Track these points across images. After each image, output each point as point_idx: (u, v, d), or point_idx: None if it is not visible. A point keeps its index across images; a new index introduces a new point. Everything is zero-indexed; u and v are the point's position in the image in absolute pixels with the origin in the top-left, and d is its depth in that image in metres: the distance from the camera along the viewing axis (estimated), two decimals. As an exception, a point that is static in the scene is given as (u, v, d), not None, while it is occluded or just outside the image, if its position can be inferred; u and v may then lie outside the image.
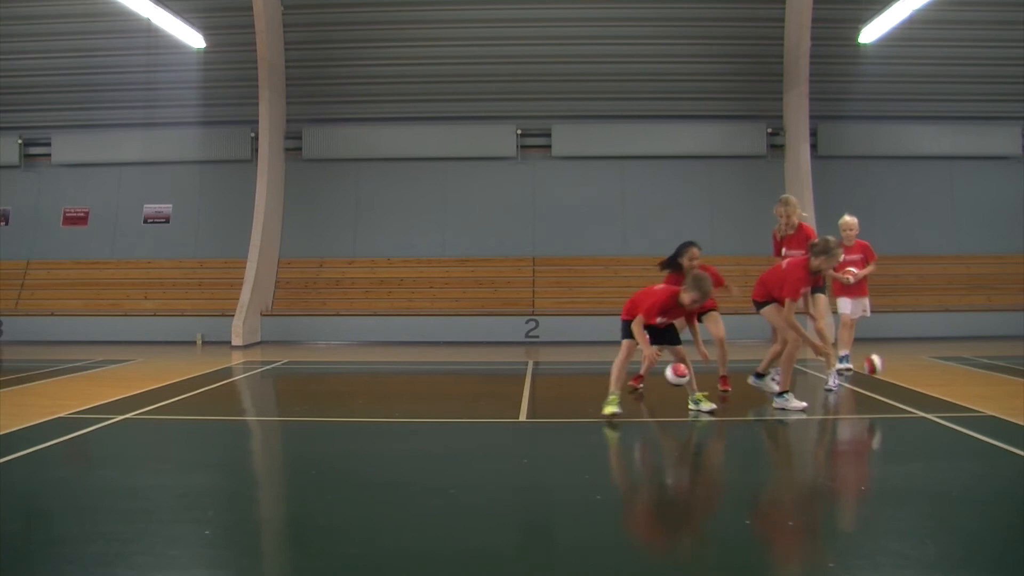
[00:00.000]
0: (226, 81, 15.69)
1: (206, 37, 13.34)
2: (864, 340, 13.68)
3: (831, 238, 6.63)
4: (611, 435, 5.99)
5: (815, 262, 6.39)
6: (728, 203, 15.78)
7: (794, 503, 4.33)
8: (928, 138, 15.83)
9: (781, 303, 6.42)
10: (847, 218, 8.21)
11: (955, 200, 15.92)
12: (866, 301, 8.18)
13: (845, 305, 8.03)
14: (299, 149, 16.08)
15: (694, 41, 15.60)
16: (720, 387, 7.38)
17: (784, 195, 7.90)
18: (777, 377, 6.90)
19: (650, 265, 14.96)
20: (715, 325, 7.39)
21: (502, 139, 16.02)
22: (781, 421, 6.33)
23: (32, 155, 16.44)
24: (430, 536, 3.65)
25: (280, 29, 15.47)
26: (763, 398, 7.62)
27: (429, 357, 12.29)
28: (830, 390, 7.54)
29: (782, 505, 4.28)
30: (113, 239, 16.15)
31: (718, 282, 7.11)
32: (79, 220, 16.32)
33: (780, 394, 6.60)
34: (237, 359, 11.91)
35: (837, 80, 15.50)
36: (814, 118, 15.31)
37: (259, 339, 14.67)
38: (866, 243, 8.23)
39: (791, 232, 7.53)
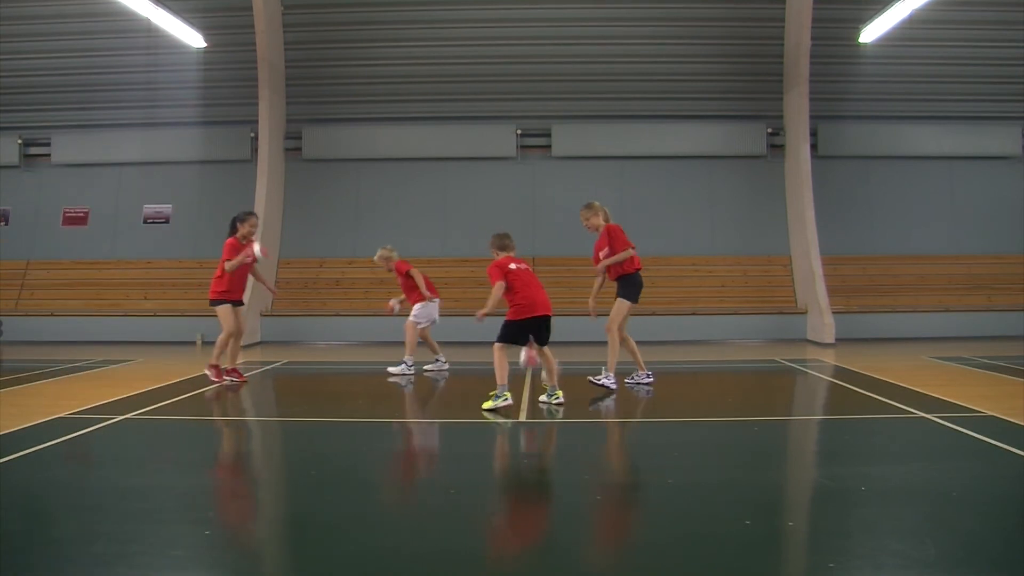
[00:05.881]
0: (226, 81, 15.67)
1: (206, 37, 13.33)
2: (864, 340, 13.83)
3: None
4: (612, 435, 5.99)
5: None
6: (728, 203, 15.78)
7: (794, 503, 4.33)
8: (928, 138, 15.81)
9: None
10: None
11: (955, 200, 15.91)
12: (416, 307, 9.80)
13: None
14: (299, 149, 16.06)
15: (694, 41, 15.59)
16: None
17: None
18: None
19: (651, 264, 15.11)
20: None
21: (502, 139, 16.00)
22: (783, 421, 6.33)
23: (32, 155, 16.42)
24: (429, 536, 3.65)
25: (280, 29, 15.47)
26: (757, 397, 7.63)
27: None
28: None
29: (782, 505, 4.28)
30: (113, 239, 16.14)
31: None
32: (79, 220, 16.31)
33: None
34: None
35: (837, 80, 15.48)
36: (814, 118, 15.29)
37: (259, 339, 14.66)
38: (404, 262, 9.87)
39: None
